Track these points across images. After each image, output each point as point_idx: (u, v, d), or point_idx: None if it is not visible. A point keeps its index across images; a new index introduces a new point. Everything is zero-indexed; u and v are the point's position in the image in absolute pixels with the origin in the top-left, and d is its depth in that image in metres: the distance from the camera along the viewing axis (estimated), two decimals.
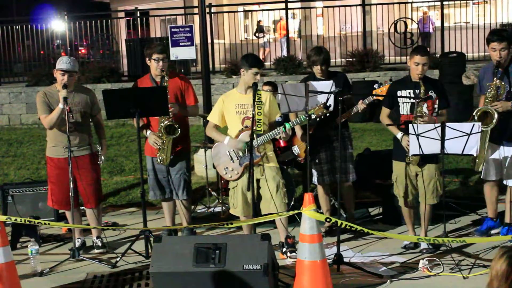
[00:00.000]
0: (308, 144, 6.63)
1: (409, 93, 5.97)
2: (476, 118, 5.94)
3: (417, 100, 5.82)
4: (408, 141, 5.82)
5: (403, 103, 6.02)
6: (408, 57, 6.31)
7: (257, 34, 20.26)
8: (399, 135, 5.99)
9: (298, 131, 6.61)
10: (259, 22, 21.13)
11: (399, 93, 6.03)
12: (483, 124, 5.87)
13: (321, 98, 6.29)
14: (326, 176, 6.62)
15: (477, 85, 6.54)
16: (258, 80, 6.01)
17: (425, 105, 5.85)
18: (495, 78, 5.95)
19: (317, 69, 6.57)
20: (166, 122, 6.29)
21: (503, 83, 5.99)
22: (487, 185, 6.42)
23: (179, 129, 6.31)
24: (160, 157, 6.43)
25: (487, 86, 6.06)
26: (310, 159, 6.73)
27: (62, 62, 6.22)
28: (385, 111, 6.20)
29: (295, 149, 6.78)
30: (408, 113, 5.97)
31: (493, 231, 6.43)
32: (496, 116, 5.89)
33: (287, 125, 5.82)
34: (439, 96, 5.97)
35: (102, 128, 6.70)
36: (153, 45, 6.60)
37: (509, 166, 6.19)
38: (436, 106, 5.94)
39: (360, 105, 6.38)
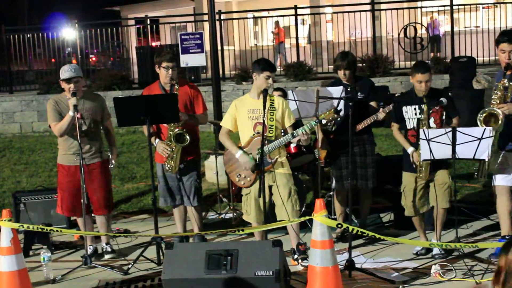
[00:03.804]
0: (319, 154, 6.65)
1: (415, 108, 5.94)
2: (481, 120, 5.80)
3: (425, 116, 5.78)
4: (418, 159, 5.82)
5: (409, 118, 6.00)
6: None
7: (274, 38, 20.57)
8: (410, 150, 5.96)
9: (320, 136, 6.61)
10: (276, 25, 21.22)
11: (404, 108, 6.00)
12: (488, 127, 5.77)
13: (333, 104, 6.30)
14: (345, 181, 6.62)
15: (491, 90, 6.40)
16: (271, 84, 5.99)
17: (432, 119, 5.83)
18: (503, 78, 5.79)
19: (341, 74, 6.58)
20: (176, 130, 6.31)
21: (511, 83, 5.77)
22: (498, 197, 6.04)
23: (189, 138, 6.32)
24: (169, 165, 6.44)
25: (495, 85, 5.93)
26: (330, 164, 6.74)
27: (64, 71, 6.26)
28: (395, 125, 6.19)
29: (316, 152, 6.79)
30: (415, 127, 5.94)
31: None
32: (501, 117, 5.68)
33: (300, 130, 5.80)
34: (447, 106, 5.91)
35: (112, 134, 6.73)
36: (163, 53, 6.62)
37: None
38: (444, 118, 5.90)
39: (380, 114, 6.36)
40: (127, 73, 16.32)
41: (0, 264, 5.28)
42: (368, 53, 14.90)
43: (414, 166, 5.95)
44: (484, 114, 5.73)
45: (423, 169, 5.90)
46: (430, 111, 5.82)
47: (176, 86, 6.39)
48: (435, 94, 5.99)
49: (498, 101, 5.76)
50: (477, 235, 6.63)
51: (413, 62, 6.08)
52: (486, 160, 5.75)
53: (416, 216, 6.16)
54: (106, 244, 6.59)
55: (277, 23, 21.09)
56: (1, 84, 16.56)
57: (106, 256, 6.52)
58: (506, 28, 16.05)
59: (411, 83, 6.08)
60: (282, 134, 6.05)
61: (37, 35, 16.26)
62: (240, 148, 6.02)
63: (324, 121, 5.80)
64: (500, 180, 6.01)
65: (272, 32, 21.34)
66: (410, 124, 6.01)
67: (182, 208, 6.79)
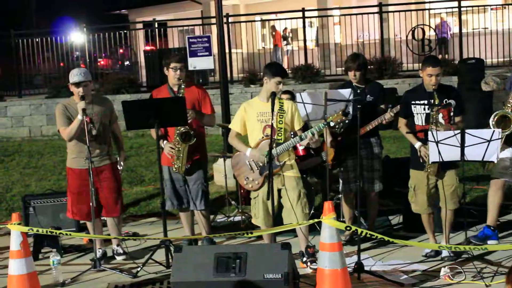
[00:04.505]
0: (326, 156, 6.64)
1: (424, 103, 5.93)
2: (493, 121, 5.80)
3: (434, 110, 5.77)
4: (426, 152, 5.80)
5: (417, 114, 5.99)
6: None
7: (285, 41, 20.68)
8: (417, 145, 5.95)
9: (328, 138, 6.61)
10: (284, 29, 21.26)
11: (413, 104, 5.99)
12: (501, 129, 5.78)
13: (341, 107, 6.29)
14: (352, 184, 6.61)
15: (507, 83, 6.38)
16: (281, 89, 6.01)
17: (440, 115, 5.81)
18: None
19: (351, 75, 6.59)
20: (182, 129, 6.32)
21: None
22: (492, 187, 6.24)
23: (195, 137, 6.34)
24: (176, 165, 6.45)
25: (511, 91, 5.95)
26: (338, 166, 6.74)
27: (73, 75, 6.28)
28: (402, 121, 6.19)
29: (324, 155, 6.79)
30: (424, 123, 5.93)
31: (489, 241, 6.17)
32: None
33: (309, 133, 5.80)
34: (455, 106, 5.91)
35: (119, 137, 6.75)
36: (172, 55, 6.69)
37: None
38: (452, 114, 5.90)
39: (387, 115, 6.35)
40: (135, 77, 16.37)
41: (10, 268, 5.31)
42: (376, 55, 14.89)
43: (421, 161, 5.93)
44: (496, 117, 5.75)
45: (431, 164, 5.87)
46: (439, 108, 5.81)
47: (182, 86, 6.40)
48: (444, 89, 5.99)
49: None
50: None
51: (421, 65, 6.07)
52: (495, 162, 5.74)
53: (424, 214, 6.14)
54: (117, 245, 6.61)
55: (273, 27, 21.19)
56: (10, 88, 16.63)
57: (118, 258, 6.54)
58: None
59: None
60: (292, 137, 6.05)
61: (46, 39, 16.33)
62: None
63: (332, 124, 5.80)
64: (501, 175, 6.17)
65: (272, 34, 21.48)
66: (419, 119, 5.99)
67: (189, 212, 6.79)
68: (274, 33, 21.35)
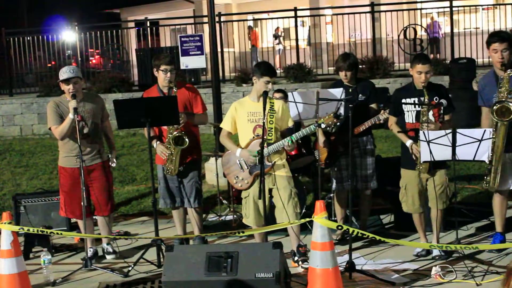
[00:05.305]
0: (319, 155, 6.65)
1: (414, 101, 5.94)
2: (494, 113, 5.70)
3: (425, 108, 5.77)
4: (417, 150, 5.80)
5: (408, 111, 6.00)
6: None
7: (277, 40, 20.67)
8: (408, 142, 5.96)
9: (321, 138, 6.62)
10: (277, 29, 21.27)
11: (403, 101, 6.00)
12: (502, 119, 5.66)
13: (333, 106, 6.29)
14: (345, 182, 6.62)
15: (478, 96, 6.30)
16: (270, 89, 6.00)
17: (430, 112, 5.83)
18: (509, 70, 5.71)
19: (342, 75, 6.60)
20: (175, 133, 6.31)
21: None
22: (497, 196, 6.17)
23: (188, 140, 6.32)
24: (168, 168, 6.44)
25: (500, 78, 5.87)
26: (331, 165, 6.74)
27: (62, 73, 6.24)
28: (392, 119, 6.19)
29: (317, 154, 6.80)
30: (414, 121, 5.94)
31: None
32: None
33: (293, 138, 5.81)
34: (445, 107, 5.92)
35: (110, 136, 6.71)
36: (161, 56, 6.62)
37: None
38: (441, 112, 5.91)
39: (382, 115, 6.35)
40: (127, 76, 16.32)
41: (0, 267, 5.28)
42: (368, 54, 14.91)
43: (414, 157, 5.93)
44: (496, 107, 5.63)
45: (422, 162, 5.87)
46: (430, 107, 5.81)
47: (174, 89, 6.39)
48: (434, 87, 6.01)
49: (505, 93, 5.73)
50: (477, 237, 6.63)
51: (411, 62, 6.08)
52: (486, 161, 5.75)
53: (415, 213, 6.16)
54: (107, 244, 6.59)
55: (249, 27, 21.21)
56: (1, 86, 16.56)
57: (108, 257, 6.53)
58: (506, 29, 16.06)
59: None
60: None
61: (37, 37, 16.26)
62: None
63: (323, 126, 5.80)
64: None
65: (249, 35, 21.50)
66: (409, 117, 6.00)
67: (181, 210, 6.79)
68: (250, 33, 21.38)
